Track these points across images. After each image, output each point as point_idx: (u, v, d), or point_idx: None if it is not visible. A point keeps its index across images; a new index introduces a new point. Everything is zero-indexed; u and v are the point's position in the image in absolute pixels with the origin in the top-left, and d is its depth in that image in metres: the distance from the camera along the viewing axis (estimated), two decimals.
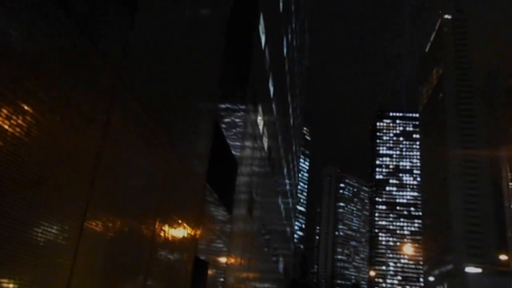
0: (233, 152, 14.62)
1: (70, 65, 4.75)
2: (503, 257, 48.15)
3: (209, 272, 12.36)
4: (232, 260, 16.30)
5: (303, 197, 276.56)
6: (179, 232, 9.17)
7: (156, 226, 7.65)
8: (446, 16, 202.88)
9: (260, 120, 21.18)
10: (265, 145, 23.91)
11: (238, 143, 15.55)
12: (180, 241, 9.22)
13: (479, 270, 57.16)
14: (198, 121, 10.23)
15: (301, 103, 58.77)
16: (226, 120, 13.57)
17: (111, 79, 5.74)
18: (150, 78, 7.03)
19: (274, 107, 26.51)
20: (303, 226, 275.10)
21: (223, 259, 14.54)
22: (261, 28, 18.99)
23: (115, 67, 5.79)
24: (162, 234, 8.01)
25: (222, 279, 14.40)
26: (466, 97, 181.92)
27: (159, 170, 7.70)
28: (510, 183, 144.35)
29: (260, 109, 20.91)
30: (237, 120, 15.26)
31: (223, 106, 13.01)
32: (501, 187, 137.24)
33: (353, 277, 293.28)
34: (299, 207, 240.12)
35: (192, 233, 10.08)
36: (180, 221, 9.19)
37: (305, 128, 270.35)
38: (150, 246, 7.50)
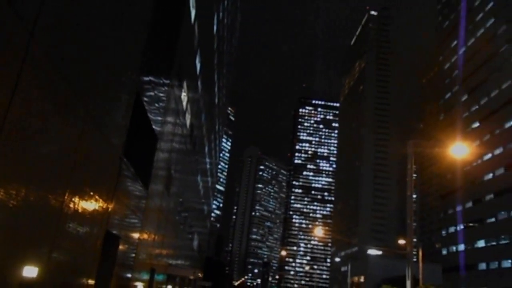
0: (153, 126, 14.31)
1: None
2: (401, 241, 52.44)
3: (121, 247, 12.13)
4: (146, 236, 16.10)
5: (223, 177, 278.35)
6: (91, 204, 8.87)
7: (66, 197, 7.34)
8: (372, 12, 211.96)
9: (184, 96, 20.87)
10: (188, 122, 23.66)
11: (159, 118, 15.23)
12: (90, 214, 8.93)
13: (379, 252, 61.68)
14: (118, 92, 9.87)
15: (227, 83, 58.65)
16: (149, 93, 13.21)
17: (24, 39, 5.36)
18: (68, 42, 6.65)
19: (200, 85, 26.24)
20: (221, 205, 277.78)
21: (136, 235, 14.32)
22: (192, 2, 18.58)
23: (29, 27, 5.41)
24: (71, 205, 7.71)
25: (133, 255, 14.21)
26: (384, 92, 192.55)
27: (71, 139, 7.35)
28: (414, 175, 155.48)
29: (185, 85, 20.59)
30: (160, 94, 14.92)
31: (146, 78, 12.65)
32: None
33: (265, 256, 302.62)
34: (218, 186, 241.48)
35: (104, 207, 9.80)
36: (92, 193, 8.89)
37: (229, 108, 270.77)
38: (57, 217, 7.20)
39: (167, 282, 25.12)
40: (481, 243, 71.24)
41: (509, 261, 63.62)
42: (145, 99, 12.69)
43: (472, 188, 74.55)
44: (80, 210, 8.19)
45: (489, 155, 70.99)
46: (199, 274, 50.69)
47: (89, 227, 8.98)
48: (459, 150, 20.29)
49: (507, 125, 67.89)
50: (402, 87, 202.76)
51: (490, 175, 70.67)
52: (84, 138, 7.90)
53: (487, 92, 74.42)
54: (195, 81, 24.40)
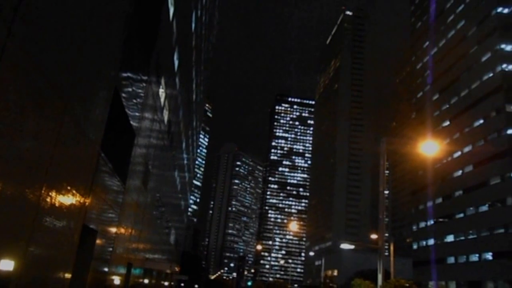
0: (131, 122, 14.40)
1: None
2: (374, 236, 53.67)
3: (98, 241, 12.23)
4: (123, 230, 16.20)
5: (200, 172, 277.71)
6: (68, 199, 8.95)
7: (43, 192, 7.41)
8: (348, 13, 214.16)
9: (162, 92, 20.94)
10: (165, 118, 23.72)
11: (137, 114, 15.32)
12: (67, 208, 9.02)
13: (352, 247, 62.96)
14: (96, 87, 9.95)
15: (205, 80, 58.58)
16: (127, 89, 13.30)
17: (2, 34, 5.43)
18: (45, 36, 6.70)
19: (178, 81, 26.29)
20: (198, 200, 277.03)
21: (113, 229, 14.42)
22: None
23: (6, 20, 5.49)
24: (48, 200, 7.78)
25: (110, 249, 14.30)
26: (358, 90, 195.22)
27: (49, 134, 7.41)
28: (386, 171, 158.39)
29: (163, 81, 20.66)
30: (138, 90, 15.00)
31: (124, 74, 12.73)
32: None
33: (241, 250, 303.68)
34: (195, 182, 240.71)
35: (82, 201, 9.90)
36: (69, 188, 8.97)
37: (207, 105, 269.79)
38: (34, 211, 7.27)
39: (144, 276, 25.21)
40: (450, 238, 73.23)
41: (477, 255, 65.69)
42: (123, 94, 12.78)
43: (442, 185, 76.46)
44: (57, 205, 8.26)
45: (459, 153, 72.93)
46: (176, 268, 50.76)
47: (66, 221, 9.06)
48: (430, 148, 21.02)
49: (476, 124, 69.89)
50: (376, 86, 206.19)
51: (459, 172, 72.62)
52: (62, 133, 7.96)
53: (457, 92, 76.32)
54: (173, 77, 24.45)
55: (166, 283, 41.42)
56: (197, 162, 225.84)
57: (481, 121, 68.90)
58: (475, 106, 70.11)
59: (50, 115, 7.36)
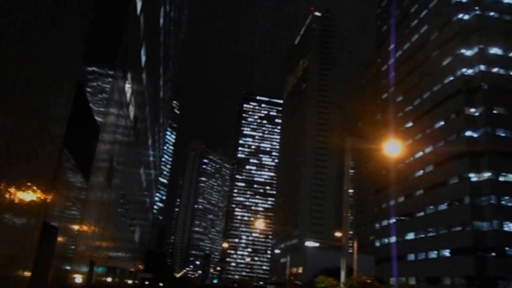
0: (96, 117, 14.16)
1: None
2: (338, 233, 54.75)
3: (59, 238, 12.01)
4: (85, 228, 15.93)
5: (167, 169, 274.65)
6: (28, 195, 8.75)
7: (1, 188, 7.24)
8: (316, 13, 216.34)
9: (128, 88, 20.65)
10: (131, 114, 23.40)
11: (102, 109, 15.07)
12: (28, 205, 8.82)
13: (317, 244, 64.06)
14: (59, 81, 9.75)
15: (173, 76, 58.01)
16: (92, 83, 13.07)
17: None
18: (4, 27, 6.49)
19: (145, 77, 25.97)
20: (164, 198, 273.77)
21: (75, 226, 14.17)
22: None
23: None
24: (7, 196, 7.60)
25: (72, 247, 14.05)
26: (326, 90, 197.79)
27: (8, 129, 7.25)
28: (351, 171, 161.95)
29: (129, 76, 20.37)
30: (104, 85, 14.75)
31: (89, 68, 12.51)
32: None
33: (207, 248, 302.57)
34: (161, 179, 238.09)
35: (43, 198, 9.69)
36: (29, 184, 8.77)
37: (174, 102, 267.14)
38: None
39: (107, 274, 24.83)
40: (410, 236, 75.34)
41: (435, 252, 67.93)
42: (88, 89, 12.55)
43: (404, 184, 78.54)
44: (16, 201, 8.08)
45: (420, 153, 75.11)
46: (140, 266, 50.18)
47: (26, 218, 8.86)
48: (393, 148, 21.58)
49: (437, 125, 72.14)
50: (343, 87, 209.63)
51: (421, 172, 74.82)
52: (22, 128, 7.81)
53: (419, 94, 78.56)
54: (140, 73, 24.14)
55: (130, 282, 40.90)
56: (163, 159, 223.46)
57: (442, 123, 71.12)
58: (437, 108, 72.34)
59: (10, 109, 7.19)
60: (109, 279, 26.00)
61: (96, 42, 12.95)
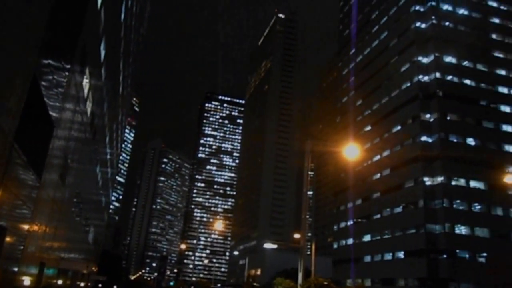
0: (50, 112, 13.56)
1: None
2: (297, 235, 55.27)
3: (7, 238, 11.39)
4: (36, 228, 15.22)
5: (124, 168, 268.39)
6: None
7: None
8: (280, 15, 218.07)
9: (86, 83, 19.97)
10: (89, 110, 22.65)
11: (58, 104, 14.47)
12: None
13: (275, 246, 64.41)
14: (11, 73, 9.25)
15: (133, 73, 56.78)
16: (47, 77, 12.50)
17: None
18: None
19: (104, 72, 25.21)
20: (121, 197, 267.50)
21: (25, 226, 13.50)
22: None
23: None
24: None
25: (21, 247, 13.39)
26: (287, 92, 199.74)
27: None
28: (311, 173, 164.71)
29: (87, 71, 19.71)
30: (60, 79, 14.17)
31: (45, 61, 11.95)
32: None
33: (164, 249, 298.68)
34: (118, 178, 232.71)
35: None
36: None
37: (134, 99, 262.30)
38: None
39: (58, 276, 23.88)
40: (367, 238, 77.01)
41: (390, 253, 69.66)
42: (43, 83, 12.00)
43: (362, 187, 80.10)
44: None
45: (378, 157, 76.92)
46: (93, 268, 48.80)
47: None
48: (352, 151, 21.88)
49: (394, 130, 74.13)
50: (305, 89, 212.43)
51: (378, 175, 76.53)
52: None
53: (378, 99, 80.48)
54: (99, 68, 23.41)
55: (82, 284, 39.63)
56: (121, 158, 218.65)
57: (399, 128, 73.09)
58: (394, 113, 74.28)
59: None
60: (60, 282, 25.03)
61: (54, 35, 12.40)
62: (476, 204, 64.20)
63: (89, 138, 25.22)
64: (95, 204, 41.34)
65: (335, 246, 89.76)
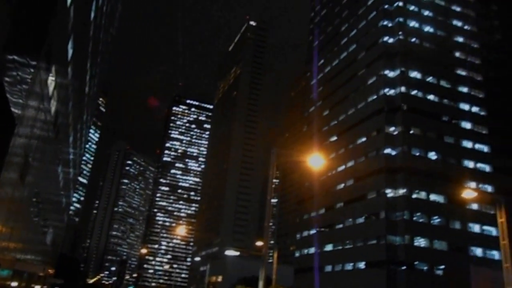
0: (13, 109, 13.19)
1: None
2: (259, 243, 55.38)
3: None
4: None
5: (87, 169, 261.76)
6: None
7: None
8: (252, 23, 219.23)
9: (51, 81, 19.52)
10: (53, 108, 22.11)
11: (20, 101, 14.09)
12: None
13: (237, 253, 64.26)
14: None
15: (101, 73, 55.70)
16: (11, 73, 12.18)
17: None
18: None
19: (70, 71, 24.69)
20: (82, 198, 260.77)
21: None
22: None
23: None
24: None
25: None
26: (256, 99, 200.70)
27: None
28: (276, 181, 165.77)
29: (53, 69, 19.27)
30: (24, 75, 13.81)
31: (10, 57, 11.66)
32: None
33: (125, 253, 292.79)
34: (80, 179, 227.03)
35: None
36: None
37: (101, 99, 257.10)
38: None
39: (12, 278, 23.05)
40: (329, 247, 77.41)
41: (351, 263, 70.43)
42: (6, 79, 11.69)
43: (326, 196, 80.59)
44: None
45: (343, 167, 77.90)
46: (50, 270, 47.43)
47: None
48: (316, 161, 22.19)
49: (359, 141, 75.39)
50: (273, 97, 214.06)
51: (342, 185, 77.36)
52: None
53: (345, 110, 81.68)
54: (66, 66, 22.92)
55: (38, 287, 38.39)
56: (84, 158, 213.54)
57: (364, 139, 74.32)
58: (360, 124, 75.44)
59: None
60: (14, 284, 24.17)
61: (20, 30, 12.11)
62: (435, 217, 65.46)
63: (52, 137, 24.60)
64: (55, 205, 40.21)
65: (297, 254, 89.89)
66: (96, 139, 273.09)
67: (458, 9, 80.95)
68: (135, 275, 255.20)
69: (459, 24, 79.98)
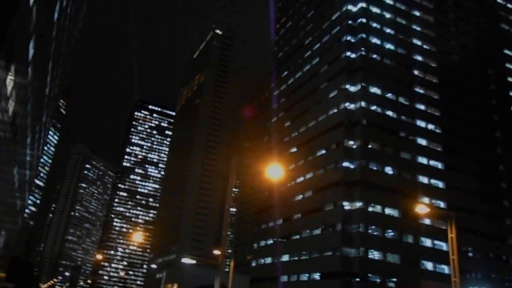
0: None
1: None
2: (216, 252, 55.27)
3: None
4: None
5: (44, 172, 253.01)
6: None
7: None
8: (218, 31, 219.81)
9: (10, 80, 19.30)
10: (11, 108, 21.78)
11: None
12: None
13: (193, 261, 63.77)
14: None
15: (63, 74, 54.60)
16: None
17: None
18: None
19: (31, 71, 24.37)
20: (38, 201, 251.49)
21: None
22: None
23: None
24: None
25: None
26: (218, 107, 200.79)
27: None
28: (236, 190, 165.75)
29: (13, 68, 19.08)
30: None
31: None
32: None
33: (80, 259, 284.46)
34: (37, 181, 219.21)
35: None
36: None
37: (61, 101, 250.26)
38: None
39: None
40: (285, 258, 77.38)
41: (307, 274, 70.93)
42: None
43: (284, 207, 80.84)
44: None
45: (301, 179, 78.61)
46: (1, 274, 45.88)
47: None
48: (276, 171, 22.75)
49: (319, 153, 76.43)
50: (236, 106, 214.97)
51: (300, 197, 77.81)
52: None
53: (306, 122, 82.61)
54: (26, 66, 22.64)
55: None
56: (42, 160, 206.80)
57: (323, 152, 75.37)
58: (320, 137, 76.34)
59: None
60: None
61: None
62: (389, 230, 66.55)
63: (8, 137, 24.13)
64: (9, 207, 39.03)
65: (253, 264, 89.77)
66: (55, 142, 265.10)
67: (418, 28, 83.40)
68: (89, 281, 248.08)
69: (419, 43, 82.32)
